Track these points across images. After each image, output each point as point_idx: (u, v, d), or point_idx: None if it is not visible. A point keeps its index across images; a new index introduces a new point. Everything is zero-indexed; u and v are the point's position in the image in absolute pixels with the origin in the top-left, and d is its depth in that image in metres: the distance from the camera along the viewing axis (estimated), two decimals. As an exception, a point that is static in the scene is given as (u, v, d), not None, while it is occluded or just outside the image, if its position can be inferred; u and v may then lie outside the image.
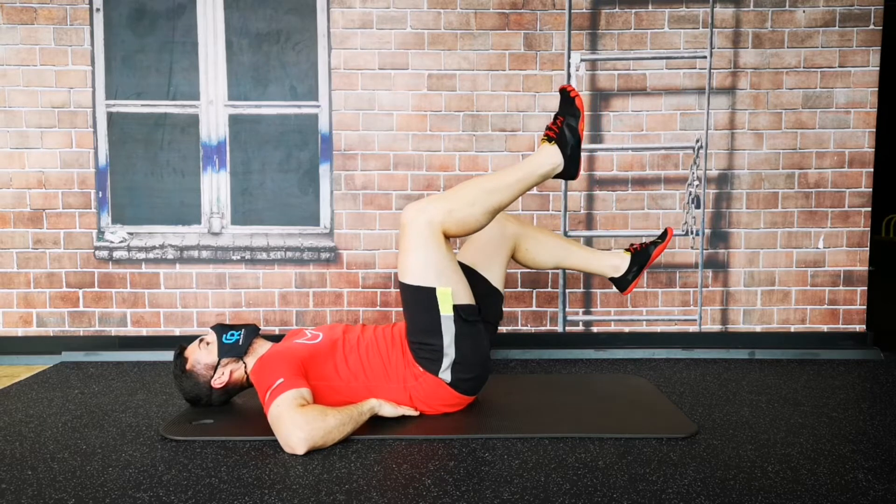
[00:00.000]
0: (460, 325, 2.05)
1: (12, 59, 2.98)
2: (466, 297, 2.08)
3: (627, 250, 2.32)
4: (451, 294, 2.03)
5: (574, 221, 3.07)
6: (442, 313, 2.03)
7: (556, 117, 2.11)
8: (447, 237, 2.05)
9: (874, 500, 1.56)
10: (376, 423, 2.02)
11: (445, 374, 2.07)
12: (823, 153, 3.05)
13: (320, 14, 3.02)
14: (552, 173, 2.10)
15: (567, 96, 2.10)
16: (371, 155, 3.05)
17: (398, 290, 3.06)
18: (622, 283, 2.32)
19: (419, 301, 2.05)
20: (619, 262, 2.31)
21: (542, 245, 2.31)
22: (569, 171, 2.11)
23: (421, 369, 2.07)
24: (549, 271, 3.06)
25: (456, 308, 2.04)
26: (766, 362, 2.94)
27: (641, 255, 2.30)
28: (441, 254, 2.03)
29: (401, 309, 3.05)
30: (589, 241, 3.07)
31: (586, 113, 3.02)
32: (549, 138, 2.09)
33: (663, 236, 2.31)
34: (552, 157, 2.08)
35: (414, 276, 2.04)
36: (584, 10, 3.00)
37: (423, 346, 2.07)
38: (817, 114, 3.04)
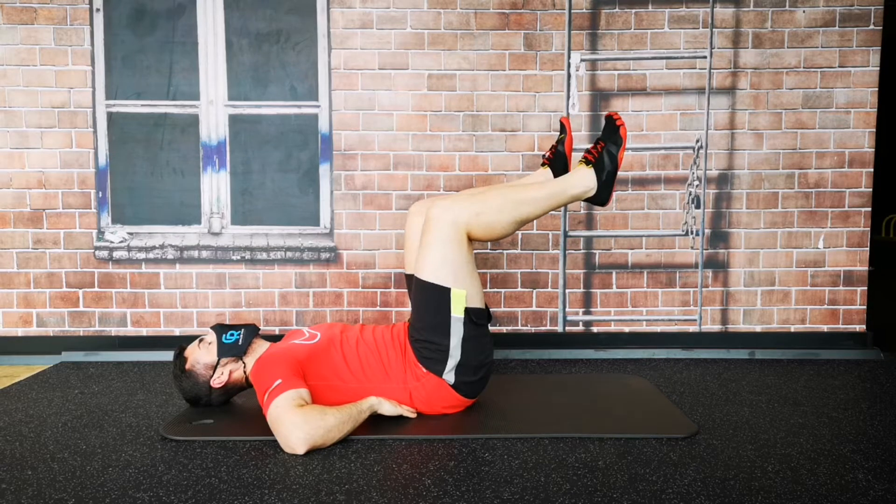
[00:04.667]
0: (469, 327, 2.05)
1: (12, 59, 2.98)
2: (479, 301, 2.09)
3: (543, 164, 2.31)
4: (466, 297, 2.03)
5: (574, 221, 3.07)
6: (453, 314, 2.03)
7: (597, 142, 2.13)
8: (470, 239, 2.05)
9: (874, 500, 1.56)
10: (376, 423, 2.02)
11: (449, 376, 2.07)
12: (823, 153, 3.05)
13: (320, 14, 3.02)
14: (583, 196, 2.13)
15: (612, 123, 2.12)
16: (371, 155, 3.05)
17: (398, 289, 3.08)
18: None
19: (432, 299, 2.04)
20: (545, 179, 2.29)
21: None
22: (600, 197, 2.13)
23: (424, 370, 2.07)
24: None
25: (467, 311, 2.04)
26: (766, 362, 2.94)
27: (558, 160, 2.29)
28: (461, 254, 2.03)
29: (401, 309, 3.06)
30: (589, 241, 3.07)
31: (586, 113, 3.03)
32: (586, 161, 2.12)
33: (563, 130, 2.30)
34: (587, 179, 2.10)
35: (431, 273, 2.03)
36: (584, 10, 3.00)
37: (429, 344, 2.06)
38: (817, 114, 3.04)
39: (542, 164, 2.32)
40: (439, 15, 3.00)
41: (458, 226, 2.01)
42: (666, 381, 2.63)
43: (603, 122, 2.17)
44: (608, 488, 1.62)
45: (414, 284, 2.10)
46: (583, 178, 2.11)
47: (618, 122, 2.11)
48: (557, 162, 2.29)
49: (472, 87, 3.02)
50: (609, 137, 2.12)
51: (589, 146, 2.24)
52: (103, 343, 3.05)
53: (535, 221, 3.04)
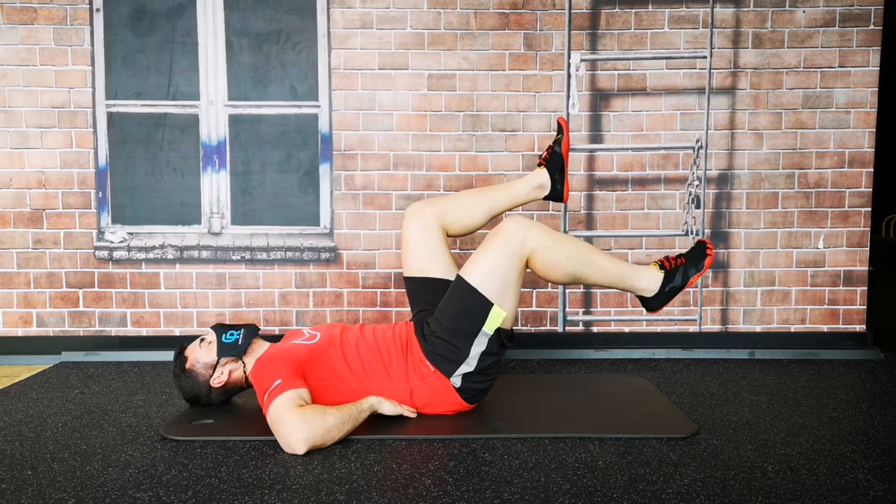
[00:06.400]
0: (494, 344, 2.06)
1: (12, 59, 2.98)
2: (510, 323, 2.09)
3: (539, 165, 2.30)
4: (504, 319, 2.03)
5: (574, 221, 3.07)
6: (484, 328, 2.03)
7: (679, 256, 2.14)
8: (526, 265, 2.05)
9: (874, 500, 1.56)
10: (376, 423, 2.02)
11: (457, 379, 2.07)
12: (823, 153, 3.05)
13: (320, 14, 3.02)
14: (639, 291, 2.13)
15: (702, 251, 2.12)
16: (371, 155, 3.05)
17: (397, 289, 3.08)
18: (556, 194, 2.30)
19: (470, 306, 2.03)
20: (541, 180, 2.29)
21: (466, 208, 2.26)
22: (653, 302, 2.14)
23: (432, 368, 2.07)
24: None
25: (499, 330, 2.05)
26: (766, 362, 2.94)
27: (555, 160, 2.28)
28: (514, 272, 2.03)
29: (401, 309, 3.06)
30: (589, 241, 3.07)
31: (586, 113, 3.03)
32: (661, 265, 2.12)
33: (560, 131, 2.29)
34: (653, 280, 2.11)
35: (478, 279, 2.02)
36: (584, 10, 3.00)
37: (448, 345, 2.05)
38: (817, 114, 3.04)
39: (539, 165, 2.31)
40: (439, 15, 3.00)
41: (526, 246, 2.01)
42: (666, 381, 2.63)
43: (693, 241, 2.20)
44: (608, 488, 1.62)
45: (455, 283, 2.08)
46: (651, 278, 2.11)
47: (708, 251, 2.11)
48: (554, 163, 2.29)
49: (472, 87, 3.02)
50: (692, 260, 2.12)
51: (670, 254, 2.25)
52: (103, 343, 3.05)
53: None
